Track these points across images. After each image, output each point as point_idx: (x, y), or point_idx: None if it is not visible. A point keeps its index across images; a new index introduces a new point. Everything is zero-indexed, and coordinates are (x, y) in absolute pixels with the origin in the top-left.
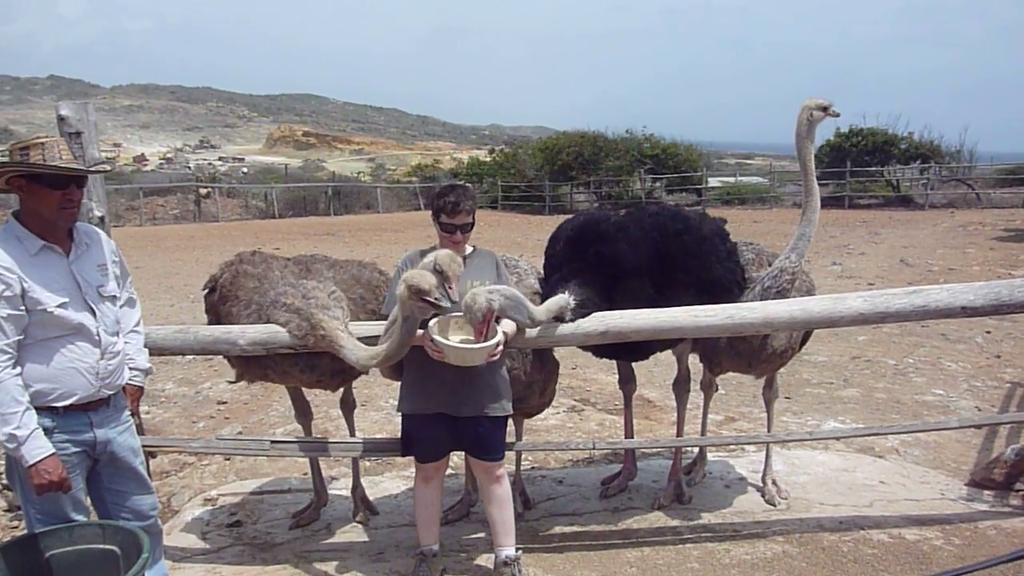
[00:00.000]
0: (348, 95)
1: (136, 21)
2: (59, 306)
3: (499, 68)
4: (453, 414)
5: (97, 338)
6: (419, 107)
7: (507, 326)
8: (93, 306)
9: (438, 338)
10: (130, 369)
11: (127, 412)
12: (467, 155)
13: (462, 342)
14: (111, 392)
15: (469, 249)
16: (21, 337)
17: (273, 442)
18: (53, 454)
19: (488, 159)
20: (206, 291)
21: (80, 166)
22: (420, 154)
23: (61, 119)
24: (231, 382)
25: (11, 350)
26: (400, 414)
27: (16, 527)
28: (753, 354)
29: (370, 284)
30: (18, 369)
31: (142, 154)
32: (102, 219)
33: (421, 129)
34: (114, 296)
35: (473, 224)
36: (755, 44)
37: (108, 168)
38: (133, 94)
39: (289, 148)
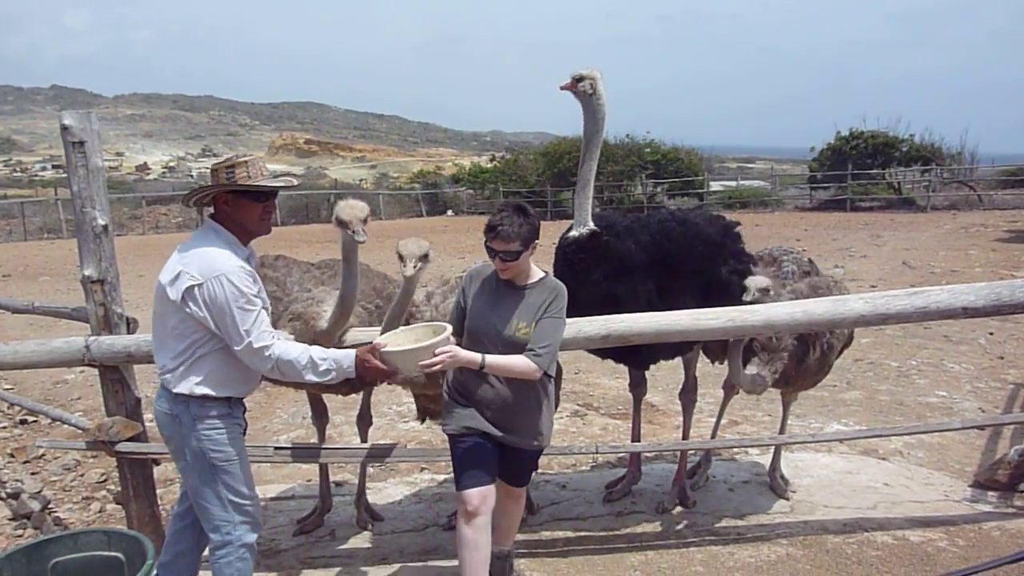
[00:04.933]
0: (350, 103)
1: (138, 31)
2: (264, 307)
3: (500, 75)
4: (499, 439)
5: None
6: (420, 114)
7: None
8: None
9: (386, 349)
10: None
11: None
12: (469, 161)
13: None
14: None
15: (534, 278)
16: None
17: (276, 448)
18: (358, 351)
19: (490, 165)
20: None
21: (280, 183)
22: (422, 161)
23: (65, 128)
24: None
25: (271, 331)
26: (447, 434)
27: (20, 536)
28: (793, 370)
29: (391, 298)
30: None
31: (145, 163)
32: (105, 228)
33: (423, 136)
34: None
35: (520, 254)
36: (751, 49)
37: (295, 183)
38: (135, 103)
39: (291, 156)
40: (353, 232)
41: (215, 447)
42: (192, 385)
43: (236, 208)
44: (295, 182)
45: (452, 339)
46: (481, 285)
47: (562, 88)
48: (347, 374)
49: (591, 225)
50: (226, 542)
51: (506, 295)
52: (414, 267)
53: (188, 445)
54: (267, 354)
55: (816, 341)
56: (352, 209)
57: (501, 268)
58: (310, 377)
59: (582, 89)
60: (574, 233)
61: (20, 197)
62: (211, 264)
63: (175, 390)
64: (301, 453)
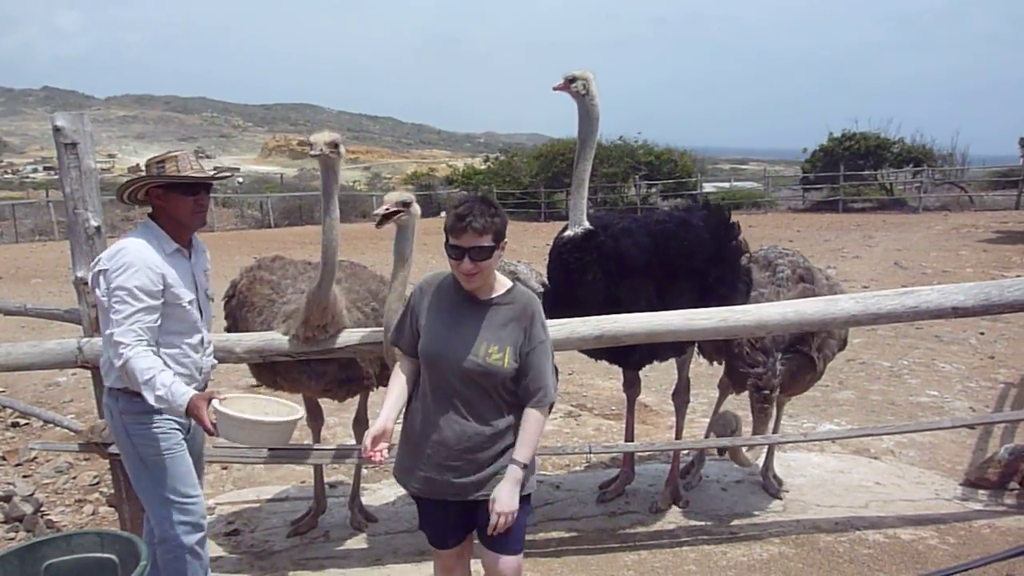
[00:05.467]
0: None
1: (130, 32)
2: (189, 302)
3: (493, 76)
4: (460, 496)
5: (202, 335)
6: (414, 116)
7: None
8: (202, 305)
9: (220, 408)
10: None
11: None
12: (462, 163)
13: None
14: (202, 385)
15: (501, 288)
16: (156, 324)
17: (270, 450)
18: (196, 395)
19: (483, 167)
20: (225, 298)
21: (208, 175)
22: (415, 162)
23: (57, 130)
24: (253, 386)
25: (145, 335)
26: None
27: (13, 539)
28: (788, 378)
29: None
30: (149, 347)
31: (137, 164)
32: (98, 229)
33: (416, 137)
34: (212, 298)
35: (493, 250)
36: (745, 51)
37: (228, 175)
38: (128, 105)
39: (284, 157)
40: (311, 146)
41: (144, 442)
42: (115, 378)
43: (167, 202)
44: (229, 174)
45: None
46: (436, 298)
47: (555, 89)
48: (177, 412)
49: (586, 224)
50: (165, 539)
51: (469, 311)
52: (386, 209)
53: (119, 438)
54: (120, 351)
55: (818, 355)
56: (319, 135)
57: (470, 272)
58: (146, 394)
59: (575, 90)
60: (569, 233)
61: (11, 199)
62: (117, 252)
63: (105, 383)
64: (294, 454)
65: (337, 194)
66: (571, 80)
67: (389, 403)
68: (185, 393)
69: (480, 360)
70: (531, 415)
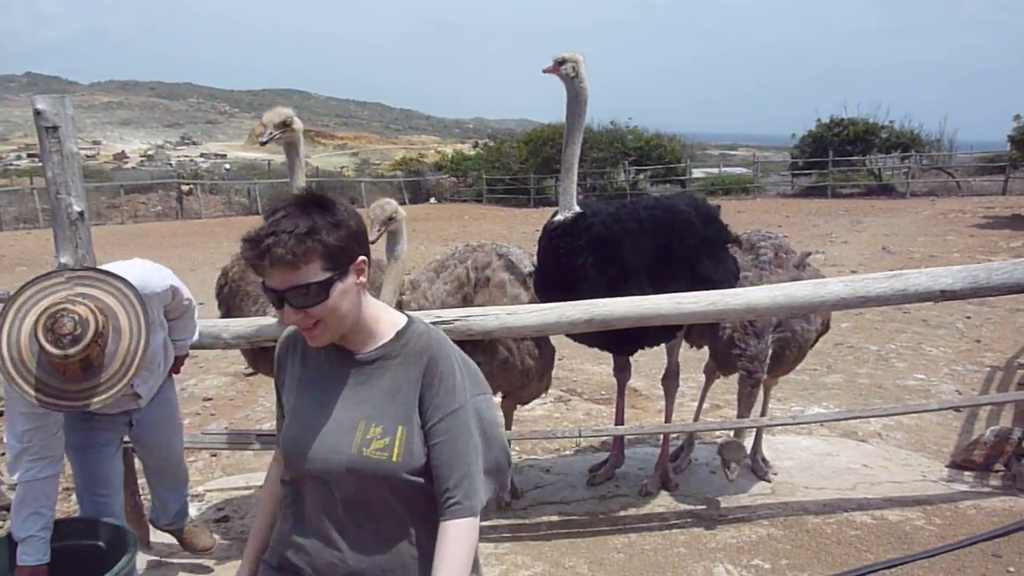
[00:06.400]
0: (331, 90)
1: (114, 17)
2: None
3: (482, 62)
4: None
5: None
6: (402, 101)
7: None
8: None
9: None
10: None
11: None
12: (451, 149)
13: None
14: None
15: (385, 334)
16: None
17: (259, 435)
18: (41, 566)
19: (472, 153)
20: (218, 287)
21: None
22: (404, 148)
23: (38, 113)
24: (247, 373)
25: (47, 453)
26: None
27: (1, 527)
28: (772, 358)
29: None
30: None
31: (122, 151)
32: (81, 214)
33: (405, 123)
34: None
35: (331, 286)
36: (733, 36)
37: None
38: (112, 91)
39: (271, 144)
40: (261, 134)
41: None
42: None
43: None
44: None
45: None
46: (303, 359)
47: (545, 71)
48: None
49: (576, 208)
50: None
51: (338, 377)
52: (377, 231)
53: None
54: None
55: (793, 341)
56: (268, 114)
57: (300, 325)
58: None
59: (564, 72)
60: (560, 217)
61: None
62: None
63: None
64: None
65: (303, 168)
66: (560, 62)
67: (253, 537)
68: None
69: (357, 452)
70: (448, 533)
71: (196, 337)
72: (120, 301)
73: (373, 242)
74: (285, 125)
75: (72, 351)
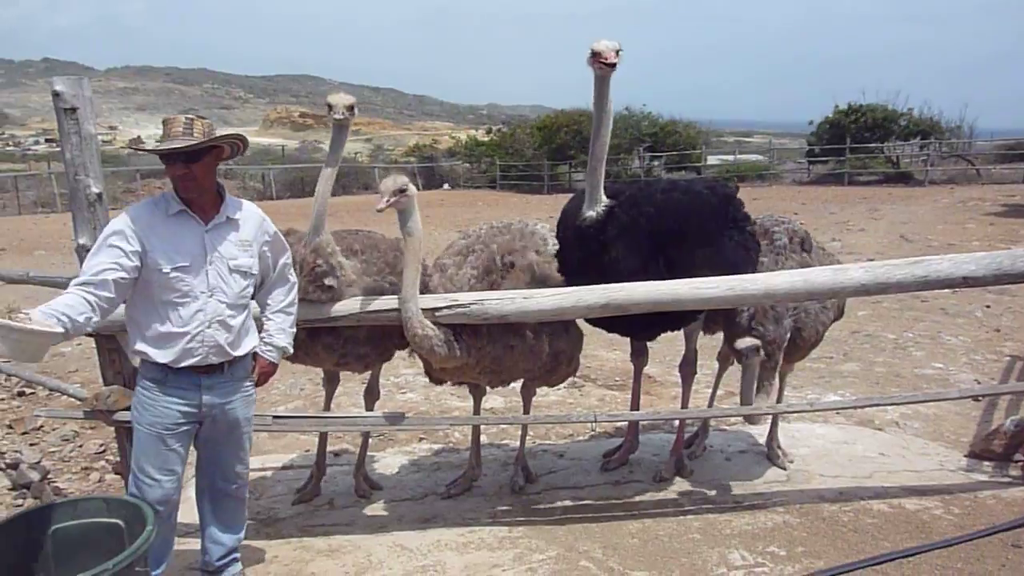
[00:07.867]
0: (345, 75)
1: (129, 3)
2: (176, 269)
3: (496, 47)
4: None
5: (207, 305)
6: (416, 87)
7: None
8: (217, 275)
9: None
10: (264, 344)
11: (247, 382)
12: (465, 135)
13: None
14: (221, 360)
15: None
16: (108, 278)
17: (275, 417)
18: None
19: (486, 139)
20: None
21: (176, 145)
22: (418, 134)
23: (56, 95)
24: None
25: (93, 280)
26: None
27: (20, 505)
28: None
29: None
30: (82, 288)
31: (138, 136)
32: (99, 196)
33: (419, 109)
34: (246, 272)
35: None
36: (750, 21)
37: (179, 147)
38: (128, 76)
39: (286, 129)
40: (332, 110)
41: (135, 406)
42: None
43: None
44: (180, 145)
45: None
46: None
47: (609, 62)
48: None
49: (605, 201)
50: None
51: None
52: (386, 202)
53: None
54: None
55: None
56: (337, 96)
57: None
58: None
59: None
60: (591, 213)
61: (13, 171)
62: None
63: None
64: (302, 421)
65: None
66: (617, 51)
67: None
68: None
69: None
70: None
71: (286, 343)
72: None
73: (380, 211)
74: (351, 108)
75: None
